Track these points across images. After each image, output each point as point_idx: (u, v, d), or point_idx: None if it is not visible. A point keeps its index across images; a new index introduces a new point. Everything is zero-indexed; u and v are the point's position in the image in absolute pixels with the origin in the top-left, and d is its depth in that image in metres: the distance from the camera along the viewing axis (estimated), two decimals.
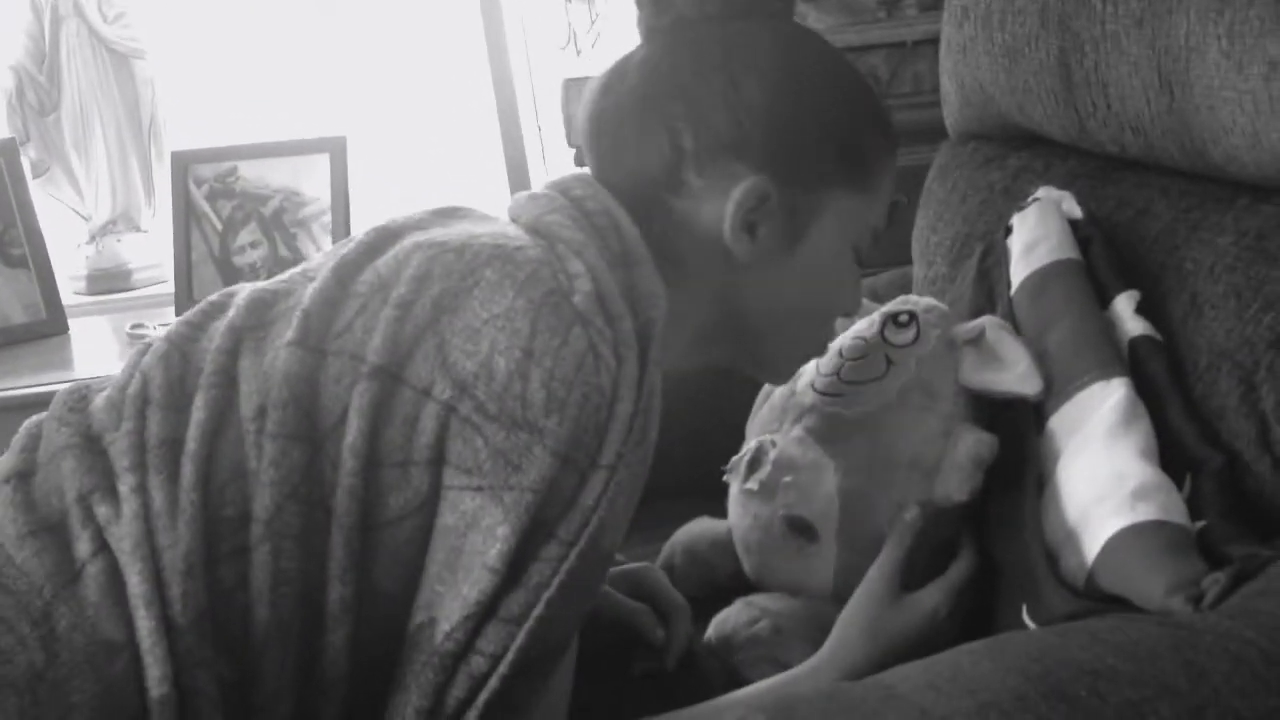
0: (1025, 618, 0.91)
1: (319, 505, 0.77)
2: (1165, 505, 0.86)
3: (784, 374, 1.01)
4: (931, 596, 0.93)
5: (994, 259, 1.10)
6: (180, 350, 0.83)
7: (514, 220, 0.88)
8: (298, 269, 0.89)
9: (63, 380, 1.81)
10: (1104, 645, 0.80)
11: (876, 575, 0.93)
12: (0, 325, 2.07)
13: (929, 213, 1.30)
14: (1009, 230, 1.09)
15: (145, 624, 0.75)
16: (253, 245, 2.10)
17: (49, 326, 2.09)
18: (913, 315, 1.01)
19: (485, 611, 0.75)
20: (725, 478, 1.03)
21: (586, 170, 0.95)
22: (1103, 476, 0.89)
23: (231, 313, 0.84)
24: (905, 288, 1.29)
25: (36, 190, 2.20)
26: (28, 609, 0.75)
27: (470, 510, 0.75)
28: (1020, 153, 1.22)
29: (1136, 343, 0.97)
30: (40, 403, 0.88)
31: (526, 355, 0.75)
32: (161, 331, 0.87)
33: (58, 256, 2.18)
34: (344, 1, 2.18)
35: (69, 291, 2.23)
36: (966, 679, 0.78)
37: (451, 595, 0.75)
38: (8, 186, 2.09)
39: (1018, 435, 0.96)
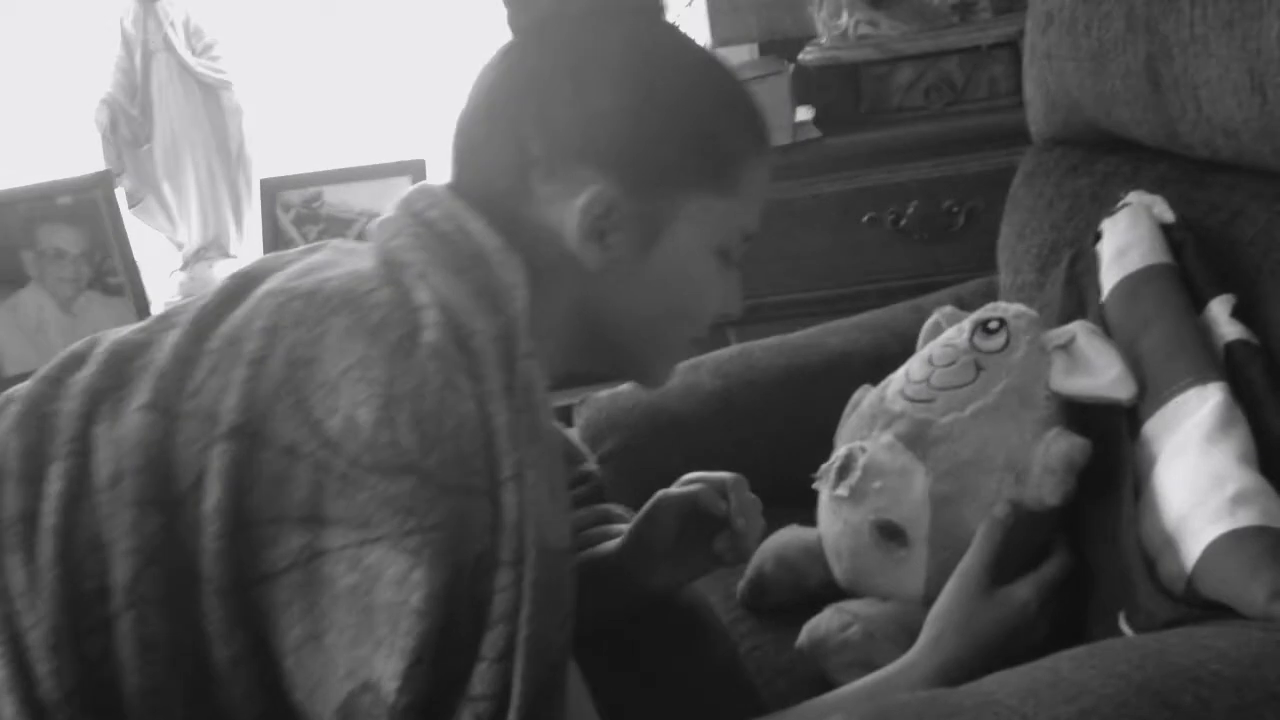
0: (1122, 624, 0.90)
1: (182, 569, 0.74)
2: (1267, 510, 0.85)
3: (658, 378, 0.96)
4: (1023, 590, 0.92)
5: (1084, 265, 1.09)
6: (37, 414, 0.80)
7: (373, 246, 0.86)
8: (158, 315, 0.86)
9: None
10: (1206, 651, 0.79)
11: (968, 570, 0.92)
12: None
13: (1015, 220, 1.29)
14: (1099, 236, 1.08)
15: (9, 709, 0.73)
16: None
17: None
18: (1002, 321, 1.00)
19: (431, 660, 0.71)
20: (815, 485, 1.03)
21: (441, 181, 0.91)
22: (1201, 481, 0.88)
23: (89, 369, 0.82)
24: (990, 295, 1.28)
25: (131, 220, 2.26)
26: None
27: (372, 564, 0.71)
28: (1107, 158, 1.21)
29: (1233, 347, 0.95)
30: None
31: (388, 402, 0.73)
32: (20, 390, 0.84)
33: (152, 284, 2.24)
34: (419, 26, 2.21)
35: None
36: (1068, 685, 0.77)
37: (383, 653, 0.71)
38: (104, 217, 2.15)
39: (1112, 440, 0.95)
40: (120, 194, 2.24)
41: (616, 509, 1.13)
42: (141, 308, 2.15)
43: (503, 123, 0.87)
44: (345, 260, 0.85)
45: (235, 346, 0.78)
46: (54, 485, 0.77)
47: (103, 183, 2.16)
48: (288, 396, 0.75)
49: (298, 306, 0.78)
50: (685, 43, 0.93)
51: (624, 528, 1.07)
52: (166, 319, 0.84)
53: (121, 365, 0.81)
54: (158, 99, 2.27)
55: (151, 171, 2.31)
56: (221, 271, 2.33)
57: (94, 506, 0.76)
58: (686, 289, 0.91)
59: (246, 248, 2.35)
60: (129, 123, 2.29)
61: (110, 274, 2.14)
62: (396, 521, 0.71)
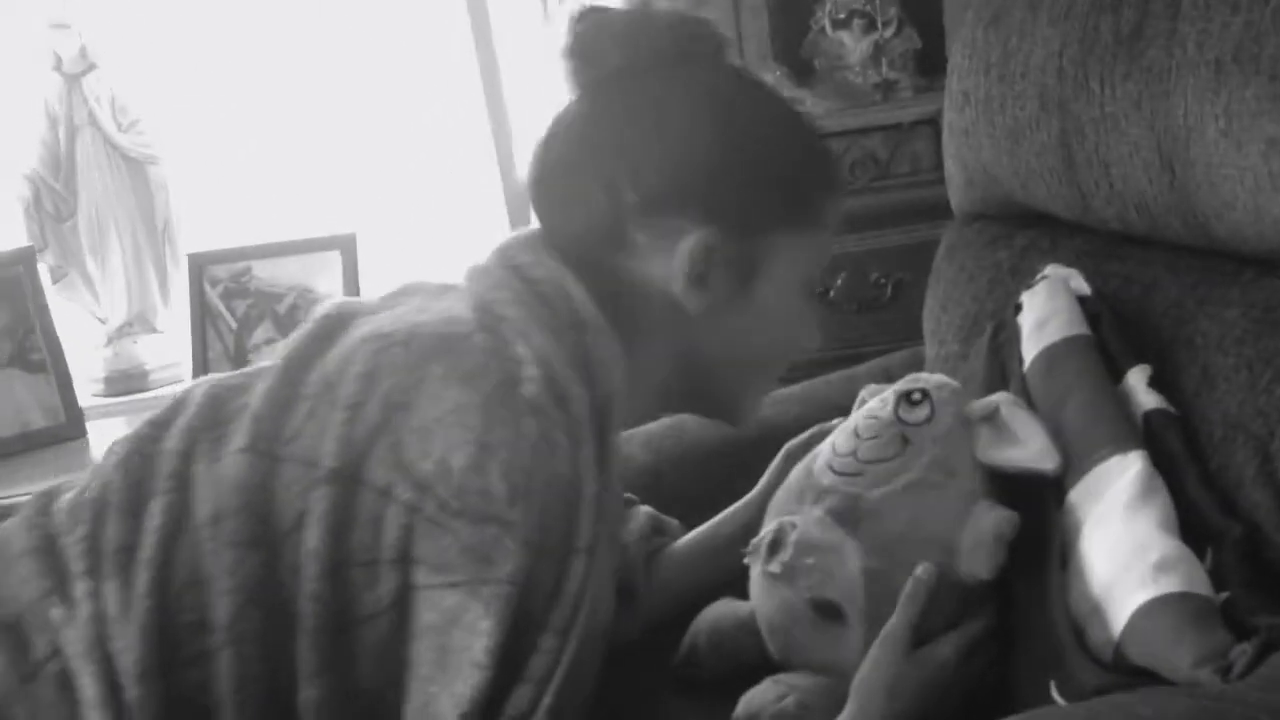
0: (1053, 693, 0.91)
1: (280, 610, 0.77)
2: (1188, 577, 0.87)
3: (746, 417, 1.00)
4: (943, 649, 0.94)
5: (1005, 336, 1.11)
6: (141, 453, 0.84)
7: (466, 292, 0.88)
8: (257, 365, 0.89)
9: None
10: (1136, 718, 0.80)
11: (891, 633, 0.93)
12: (20, 430, 2.08)
13: (938, 292, 1.32)
14: (1019, 308, 1.10)
15: None
16: (268, 343, 2.13)
17: (68, 430, 2.11)
18: (925, 393, 1.01)
19: (482, 709, 0.73)
20: (745, 560, 1.03)
21: (535, 230, 0.94)
22: (1125, 549, 0.89)
23: (189, 410, 0.85)
24: (918, 366, 1.30)
25: (54, 296, 2.23)
26: None
27: (450, 607, 0.74)
28: (1026, 231, 1.24)
29: (1151, 416, 0.98)
30: None
31: (482, 449, 0.74)
32: (128, 434, 0.87)
33: (75, 360, 2.20)
34: (352, 103, 2.22)
35: (87, 394, 2.25)
36: None
37: (446, 695, 0.74)
38: (26, 293, 2.13)
39: (1038, 510, 0.97)
40: (43, 269, 2.22)
41: (658, 516, 1.16)
42: (64, 384, 2.11)
43: (591, 177, 0.90)
44: (436, 305, 0.86)
45: (331, 391, 0.80)
46: (154, 520, 0.80)
47: (24, 258, 2.14)
48: (384, 439, 0.76)
49: (396, 353, 0.80)
50: (755, 82, 0.96)
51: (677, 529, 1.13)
52: (264, 366, 0.87)
53: (219, 406, 0.85)
54: (83, 174, 2.25)
55: (75, 247, 2.28)
56: (147, 347, 2.31)
57: (196, 544, 0.78)
58: (782, 324, 0.95)
59: (173, 323, 2.32)
60: (53, 198, 2.27)
61: (33, 350, 2.11)
62: (475, 569, 0.73)
